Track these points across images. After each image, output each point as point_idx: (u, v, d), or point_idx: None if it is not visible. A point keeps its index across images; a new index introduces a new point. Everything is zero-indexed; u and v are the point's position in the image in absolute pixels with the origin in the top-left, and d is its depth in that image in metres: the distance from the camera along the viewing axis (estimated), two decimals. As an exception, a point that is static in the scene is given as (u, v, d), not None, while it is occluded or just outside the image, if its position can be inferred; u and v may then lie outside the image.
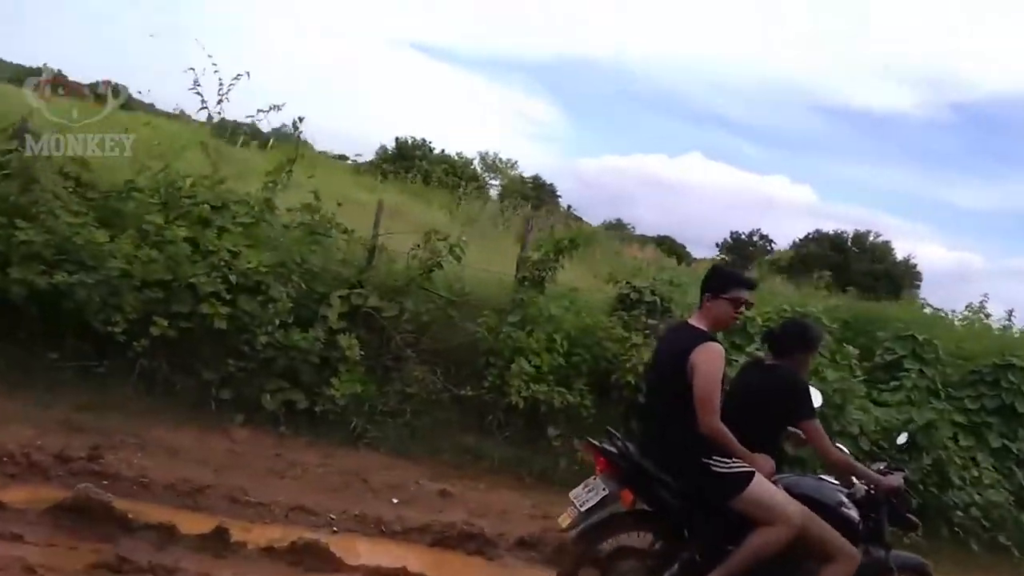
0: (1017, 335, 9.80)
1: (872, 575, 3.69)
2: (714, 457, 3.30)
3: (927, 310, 9.90)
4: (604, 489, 3.40)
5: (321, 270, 6.27)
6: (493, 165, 39.29)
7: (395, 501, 5.06)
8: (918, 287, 29.07)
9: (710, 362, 3.24)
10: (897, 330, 8.06)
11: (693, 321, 3.48)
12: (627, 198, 74.35)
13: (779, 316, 6.94)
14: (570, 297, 7.01)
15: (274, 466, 5.18)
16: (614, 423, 6.37)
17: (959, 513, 6.78)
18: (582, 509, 3.42)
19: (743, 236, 39.06)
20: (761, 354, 4.91)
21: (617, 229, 33.22)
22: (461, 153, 34.69)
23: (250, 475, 4.90)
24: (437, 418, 6.11)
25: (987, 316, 9.93)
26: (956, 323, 9.48)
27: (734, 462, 3.32)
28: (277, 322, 5.76)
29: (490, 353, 6.27)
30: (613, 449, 3.46)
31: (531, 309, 6.47)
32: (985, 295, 9.83)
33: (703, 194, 65.63)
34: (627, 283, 7.18)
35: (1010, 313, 10.53)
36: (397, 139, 36.99)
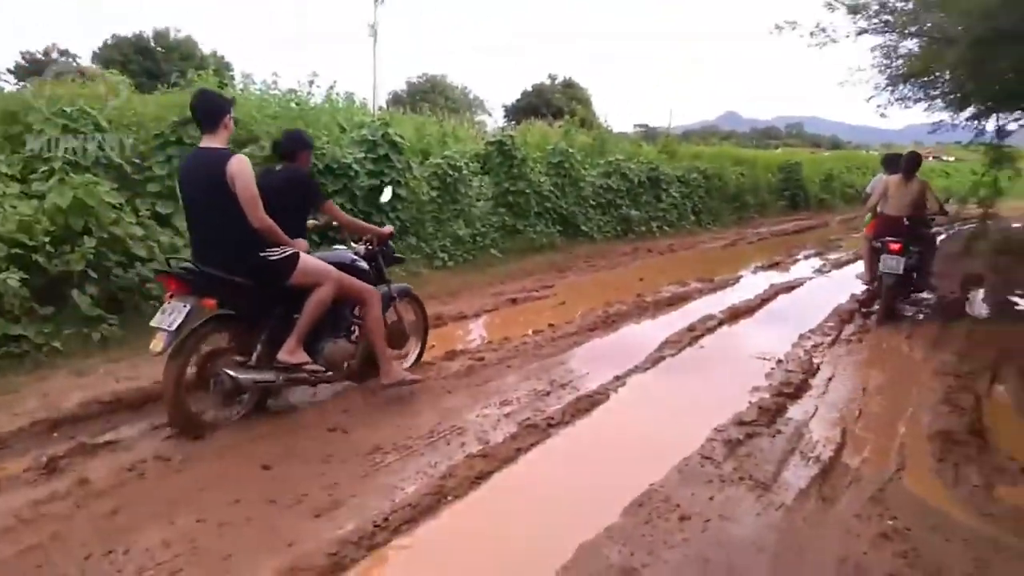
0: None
1: (386, 305, 4.90)
2: (267, 249, 4.05)
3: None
4: (185, 306, 3.75)
5: None
6: None
7: None
8: (232, 76, 29.60)
9: (244, 170, 3.88)
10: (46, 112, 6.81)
11: (209, 144, 3.98)
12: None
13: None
14: None
15: None
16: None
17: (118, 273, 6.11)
18: (171, 329, 3.68)
19: (40, 55, 33.59)
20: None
21: None
22: None
23: None
24: None
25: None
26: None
27: (282, 249, 4.11)
28: None
29: None
30: (181, 269, 3.87)
31: None
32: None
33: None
34: None
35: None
36: None
